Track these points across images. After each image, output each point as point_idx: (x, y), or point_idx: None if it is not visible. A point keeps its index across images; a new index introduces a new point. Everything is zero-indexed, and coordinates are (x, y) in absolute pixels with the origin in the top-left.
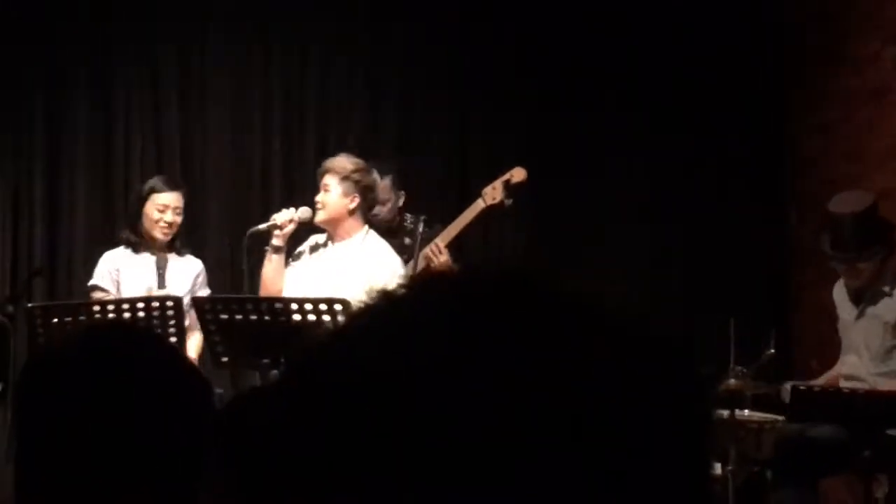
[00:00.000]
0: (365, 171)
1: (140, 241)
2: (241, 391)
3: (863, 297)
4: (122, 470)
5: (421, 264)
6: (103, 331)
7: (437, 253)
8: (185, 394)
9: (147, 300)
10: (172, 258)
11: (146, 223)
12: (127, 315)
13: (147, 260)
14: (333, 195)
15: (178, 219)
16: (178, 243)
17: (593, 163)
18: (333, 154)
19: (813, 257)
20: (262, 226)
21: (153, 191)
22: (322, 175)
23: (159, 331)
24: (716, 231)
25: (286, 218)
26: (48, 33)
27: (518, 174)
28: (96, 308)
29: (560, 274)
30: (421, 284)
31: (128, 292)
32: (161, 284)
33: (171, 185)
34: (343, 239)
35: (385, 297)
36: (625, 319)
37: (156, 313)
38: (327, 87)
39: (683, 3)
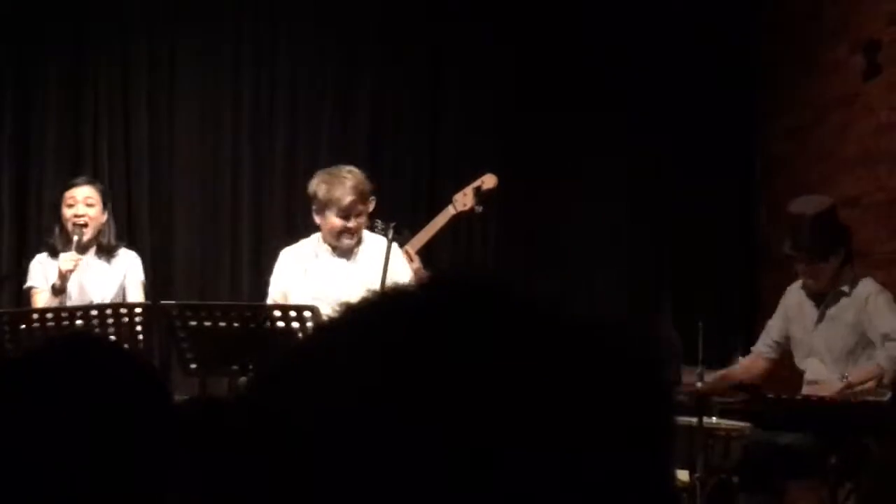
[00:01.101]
0: None
1: (59, 245)
2: (201, 399)
3: (823, 300)
4: (84, 480)
5: None
6: (61, 341)
7: (408, 259)
8: (144, 402)
9: (115, 306)
10: (91, 261)
11: (65, 225)
12: (95, 321)
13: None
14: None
15: (91, 210)
16: (103, 242)
17: (563, 168)
18: (304, 155)
19: (782, 261)
20: None
21: (63, 189)
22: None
23: (126, 337)
24: (685, 233)
25: None
26: (18, 32)
27: (489, 181)
28: (64, 314)
29: (529, 280)
30: (386, 297)
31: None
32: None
33: (83, 181)
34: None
35: (350, 310)
36: (596, 326)
37: (124, 320)
38: (298, 89)
39: (656, 6)
